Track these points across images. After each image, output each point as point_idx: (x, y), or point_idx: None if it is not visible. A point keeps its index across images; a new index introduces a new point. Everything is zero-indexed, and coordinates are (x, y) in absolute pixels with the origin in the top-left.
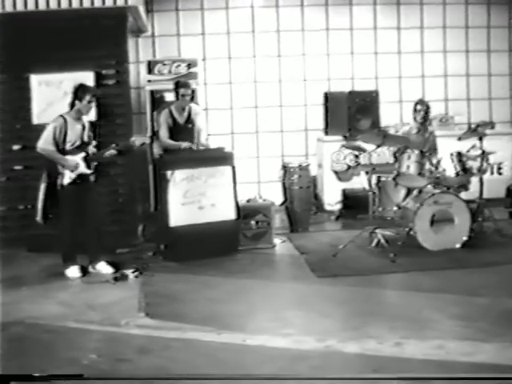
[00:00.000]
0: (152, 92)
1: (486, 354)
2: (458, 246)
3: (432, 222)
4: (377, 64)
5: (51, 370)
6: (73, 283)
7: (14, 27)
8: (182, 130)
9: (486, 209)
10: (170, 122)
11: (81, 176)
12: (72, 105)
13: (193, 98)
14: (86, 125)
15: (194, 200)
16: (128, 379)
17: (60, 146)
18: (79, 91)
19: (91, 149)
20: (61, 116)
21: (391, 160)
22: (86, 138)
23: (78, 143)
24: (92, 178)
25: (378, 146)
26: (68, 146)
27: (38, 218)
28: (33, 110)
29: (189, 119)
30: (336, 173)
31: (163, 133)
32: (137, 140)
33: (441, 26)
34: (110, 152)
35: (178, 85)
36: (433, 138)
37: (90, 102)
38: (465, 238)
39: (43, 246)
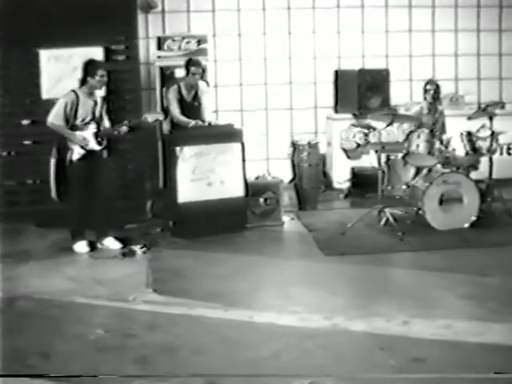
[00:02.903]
0: (161, 68)
1: (495, 334)
2: (466, 225)
3: (441, 202)
4: (387, 42)
5: (58, 346)
6: (81, 258)
7: (23, 2)
8: (189, 107)
9: (495, 189)
10: (178, 99)
11: (91, 152)
12: (83, 81)
13: (203, 77)
14: (98, 100)
15: (202, 176)
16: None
17: (71, 121)
18: (90, 67)
19: (104, 124)
20: (72, 91)
21: (401, 139)
22: (97, 114)
23: (89, 119)
24: (104, 154)
25: (388, 125)
26: (79, 122)
27: (53, 194)
28: (42, 85)
29: (196, 97)
30: (345, 151)
31: (174, 108)
32: (149, 117)
33: (452, 4)
34: (122, 128)
35: (190, 63)
36: (442, 117)
37: (102, 76)
38: (473, 218)
39: (52, 220)
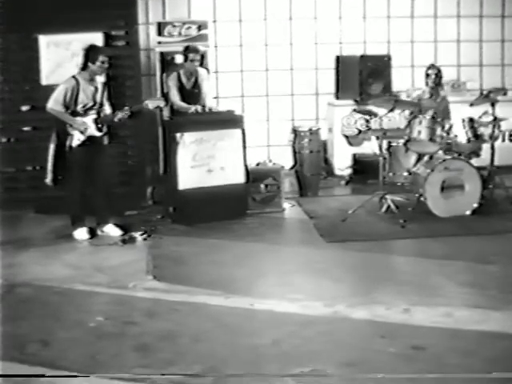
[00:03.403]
0: (162, 54)
1: (496, 322)
2: (468, 212)
3: (442, 189)
4: (389, 28)
5: (58, 333)
6: (81, 245)
7: None
8: (189, 94)
9: (497, 176)
10: (178, 86)
11: (91, 138)
12: (84, 66)
13: (202, 63)
14: (99, 86)
15: (203, 163)
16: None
17: (71, 107)
18: (91, 52)
19: (105, 110)
20: (73, 77)
21: (402, 125)
22: (98, 100)
23: (90, 105)
24: (105, 140)
25: (390, 111)
26: (80, 108)
27: (48, 180)
28: (41, 71)
29: (196, 84)
30: (346, 137)
31: (174, 95)
32: (150, 103)
33: None
34: (123, 115)
35: (187, 49)
36: (445, 103)
37: (103, 62)
38: (475, 205)
39: (51, 207)
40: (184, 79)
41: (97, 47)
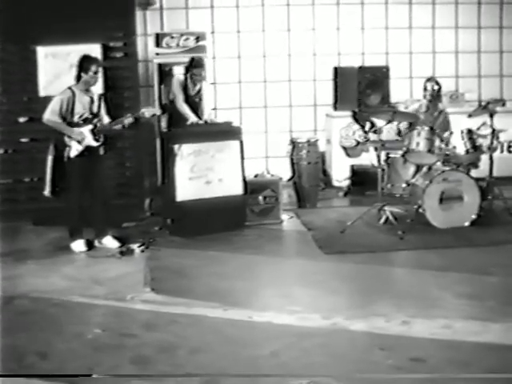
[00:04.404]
0: (160, 65)
1: (494, 333)
2: (466, 224)
3: (441, 200)
4: (387, 39)
5: (56, 345)
6: (78, 257)
7: None
8: (192, 101)
9: (495, 187)
10: (183, 89)
11: (88, 148)
12: (78, 77)
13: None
14: (95, 97)
15: (201, 174)
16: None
17: (68, 118)
18: (84, 62)
19: (102, 121)
20: (69, 88)
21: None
22: (95, 110)
23: (86, 115)
24: (101, 151)
25: (388, 122)
26: (76, 119)
27: (46, 191)
28: (39, 82)
29: (199, 93)
30: (345, 148)
31: (179, 95)
32: (146, 112)
33: (453, 1)
34: (122, 122)
35: (192, 64)
36: (444, 116)
37: (95, 72)
38: (474, 217)
39: (49, 219)
40: (190, 84)
41: (89, 57)
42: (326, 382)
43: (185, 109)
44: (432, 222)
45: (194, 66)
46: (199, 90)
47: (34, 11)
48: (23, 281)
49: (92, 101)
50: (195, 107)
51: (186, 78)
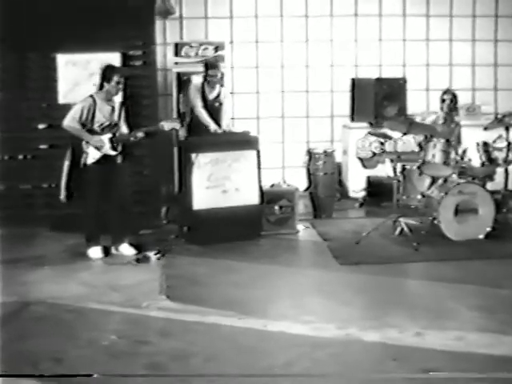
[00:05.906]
0: (178, 74)
1: (507, 346)
2: (481, 236)
3: (456, 212)
4: (405, 51)
5: (71, 350)
6: (95, 264)
7: (41, 6)
8: (211, 106)
9: (510, 200)
10: (200, 95)
11: (105, 156)
12: (100, 86)
13: (222, 81)
14: (116, 106)
15: (217, 184)
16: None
17: (88, 125)
18: (107, 72)
19: (121, 130)
20: (90, 96)
21: (416, 148)
22: (115, 119)
23: (106, 124)
24: (119, 160)
25: (404, 134)
26: (96, 127)
27: (61, 196)
28: (59, 90)
29: (218, 97)
30: (361, 160)
31: (197, 102)
32: (166, 124)
33: (470, 14)
34: (138, 135)
35: (207, 66)
36: (458, 129)
37: (118, 82)
38: (488, 229)
39: (66, 225)
40: (207, 90)
41: (112, 67)
42: None
43: (203, 115)
44: (447, 234)
45: (209, 68)
46: (218, 95)
47: (55, 20)
48: (39, 286)
49: (113, 110)
50: (214, 114)
51: (202, 83)
